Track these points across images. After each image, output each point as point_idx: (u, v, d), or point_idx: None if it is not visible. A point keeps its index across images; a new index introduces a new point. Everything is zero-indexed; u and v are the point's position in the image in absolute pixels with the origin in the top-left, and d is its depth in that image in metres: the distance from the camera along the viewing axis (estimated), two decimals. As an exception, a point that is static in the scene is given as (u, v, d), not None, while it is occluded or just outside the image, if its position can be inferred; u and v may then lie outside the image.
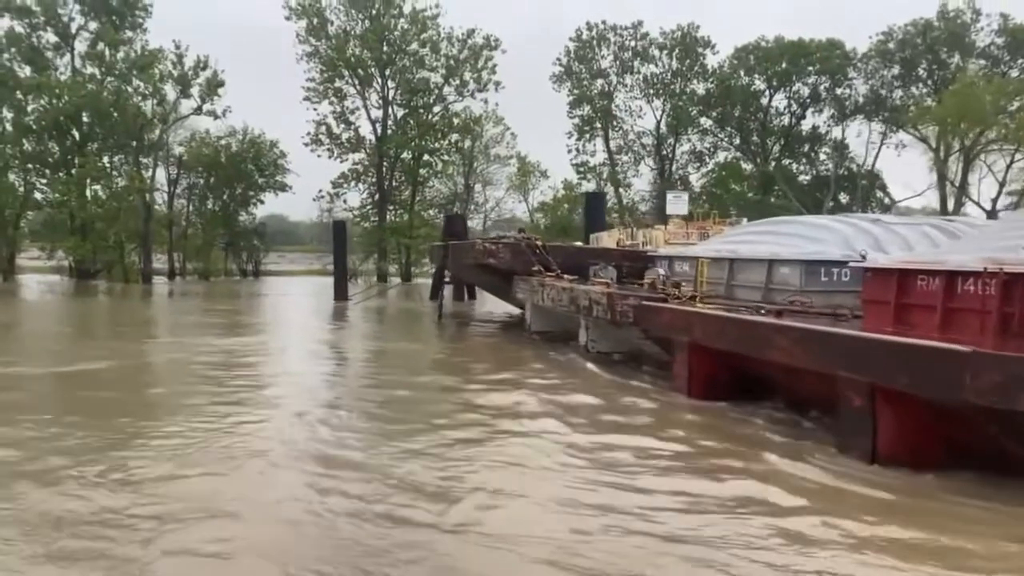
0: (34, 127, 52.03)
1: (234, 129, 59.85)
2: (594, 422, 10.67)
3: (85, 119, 51.71)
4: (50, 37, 53.14)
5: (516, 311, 28.37)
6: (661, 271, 15.96)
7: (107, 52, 51.52)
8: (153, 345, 19.59)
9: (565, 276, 18.78)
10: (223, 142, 59.90)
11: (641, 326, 13.75)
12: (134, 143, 52.83)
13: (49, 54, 53.24)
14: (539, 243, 22.13)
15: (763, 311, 11.23)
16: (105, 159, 53.88)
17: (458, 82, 56.44)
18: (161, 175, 57.59)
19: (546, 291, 18.68)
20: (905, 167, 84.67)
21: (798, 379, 9.89)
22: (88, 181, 51.62)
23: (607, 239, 27.17)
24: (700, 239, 23.81)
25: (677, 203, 25.54)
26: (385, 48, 54.98)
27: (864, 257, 13.74)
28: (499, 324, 25.61)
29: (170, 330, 23.72)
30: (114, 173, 54.15)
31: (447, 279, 38.71)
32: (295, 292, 43.97)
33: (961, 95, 47.53)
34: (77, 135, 52.70)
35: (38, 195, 54.27)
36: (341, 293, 36.48)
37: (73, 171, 52.02)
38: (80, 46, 53.52)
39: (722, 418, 10.81)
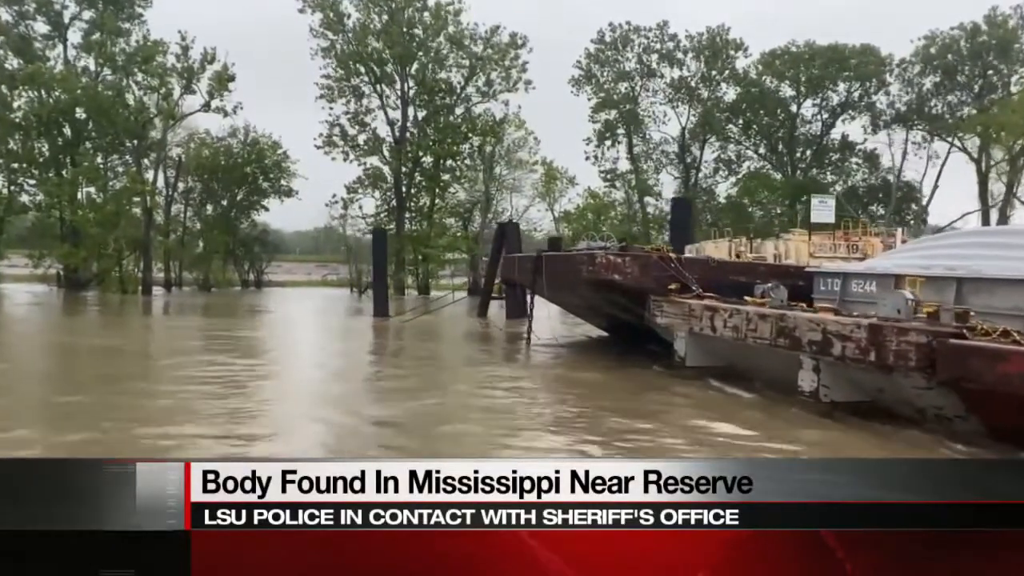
0: (21, 123, 47.52)
1: (235, 129, 55.67)
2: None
3: (80, 115, 47.28)
4: (40, 26, 48.91)
5: (596, 332, 24.76)
6: (908, 295, 12.38)
7: (108, 42, 47.11)
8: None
9: (747, 298, 15.13)
10: (224, 143, 55.75)
11: (947, 374, 10.14)
12: (134, 142, 48.29)
13: (39, 44, 48.89)
14: (672, 255, 18.51)
15: None
16: (99, 159, 49.50)
17: (482, 81, 52.90)
18: (159, 178, 53.09)
19: (718, 316, 15.02)
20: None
21: None
22: (81, 182, 47.15)
23: (713, 250, 23.51)
24: (849, 251, 20.44)
25: (822, 209, 21.91)
26: (405, 43, 51.22)
27: None
28: (601, 349, 21.73)
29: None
30: (109, 175, 49.73)
31: (500, 293, 35.19)
32: (315, 307, 39.86)
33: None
34: (69, 132, 48.28)
35: (24, 198, 49.72)
36: (381, 309, 32.43)
37: (64, 171, 47.56)
38: (73, 36, 49.30)
39: None
